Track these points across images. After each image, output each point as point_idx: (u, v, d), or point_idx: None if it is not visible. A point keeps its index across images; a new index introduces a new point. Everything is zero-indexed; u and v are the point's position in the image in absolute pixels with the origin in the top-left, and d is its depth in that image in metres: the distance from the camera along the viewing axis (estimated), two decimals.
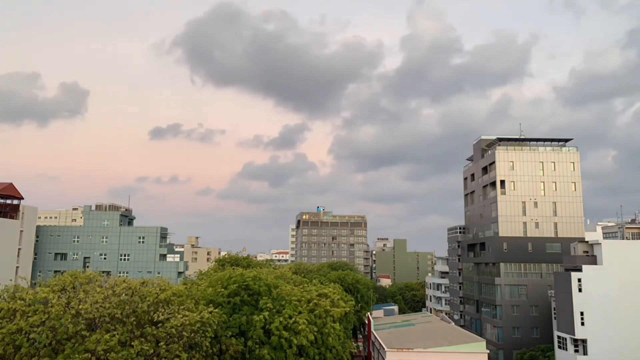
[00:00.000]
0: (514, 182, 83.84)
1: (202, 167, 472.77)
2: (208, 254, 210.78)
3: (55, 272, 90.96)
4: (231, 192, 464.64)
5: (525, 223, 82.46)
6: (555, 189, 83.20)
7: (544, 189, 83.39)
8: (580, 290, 60.64)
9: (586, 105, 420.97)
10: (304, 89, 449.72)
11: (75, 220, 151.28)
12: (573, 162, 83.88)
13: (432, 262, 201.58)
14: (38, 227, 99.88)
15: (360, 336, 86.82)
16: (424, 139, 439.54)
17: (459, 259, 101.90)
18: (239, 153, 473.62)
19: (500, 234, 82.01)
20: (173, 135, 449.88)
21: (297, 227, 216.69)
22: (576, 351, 60.46)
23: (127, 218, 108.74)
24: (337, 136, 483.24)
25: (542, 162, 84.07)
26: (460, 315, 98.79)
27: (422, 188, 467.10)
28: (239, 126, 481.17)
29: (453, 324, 76.47)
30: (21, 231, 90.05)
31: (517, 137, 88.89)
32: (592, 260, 62.93)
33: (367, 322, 75.19)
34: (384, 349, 54.99)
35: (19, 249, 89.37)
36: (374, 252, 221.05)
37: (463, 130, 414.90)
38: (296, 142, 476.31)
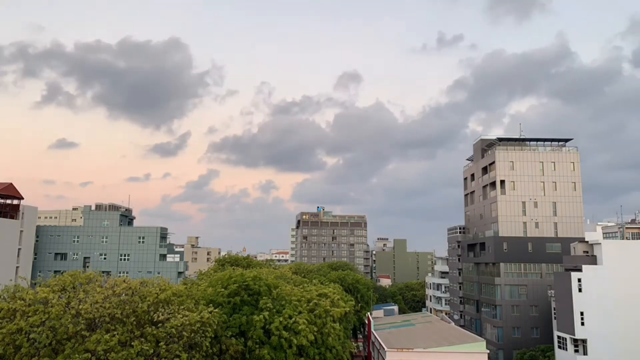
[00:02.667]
0: (514, 182, 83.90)
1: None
2: (208, 254, 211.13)
3: (55, 272, 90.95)
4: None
5: (525, 223, 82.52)
6: (555, 189, 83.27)
7: (544, 189, 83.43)
8: (580, 290, 60.62)
9: None
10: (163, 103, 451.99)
11: (75, 220, 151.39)
12: (573, 162, 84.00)
13: (432, 262, 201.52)
14: (38, 227, 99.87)
15: (360, 336, 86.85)
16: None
17: (459, 259, 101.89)
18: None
19: (500, 234, 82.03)
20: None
21: (297, 227, 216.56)
22: (576, 351, 60.46)
23: (127, 218, 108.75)
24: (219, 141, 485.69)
25: (542, 162, 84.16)
26: (460, 315, 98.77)
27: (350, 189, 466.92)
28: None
29: (453, 324, 76.56)
30: (21, 231, 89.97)
31: (517, 137, 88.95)
32: (592, 260, 62.90)
33: (367, 322, 75.21)
34: (384, 349, 55.00)
35: (19, 249, 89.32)
36: (374, 252, 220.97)
37: (358, 134, 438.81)
38: (177, 153, 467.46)
